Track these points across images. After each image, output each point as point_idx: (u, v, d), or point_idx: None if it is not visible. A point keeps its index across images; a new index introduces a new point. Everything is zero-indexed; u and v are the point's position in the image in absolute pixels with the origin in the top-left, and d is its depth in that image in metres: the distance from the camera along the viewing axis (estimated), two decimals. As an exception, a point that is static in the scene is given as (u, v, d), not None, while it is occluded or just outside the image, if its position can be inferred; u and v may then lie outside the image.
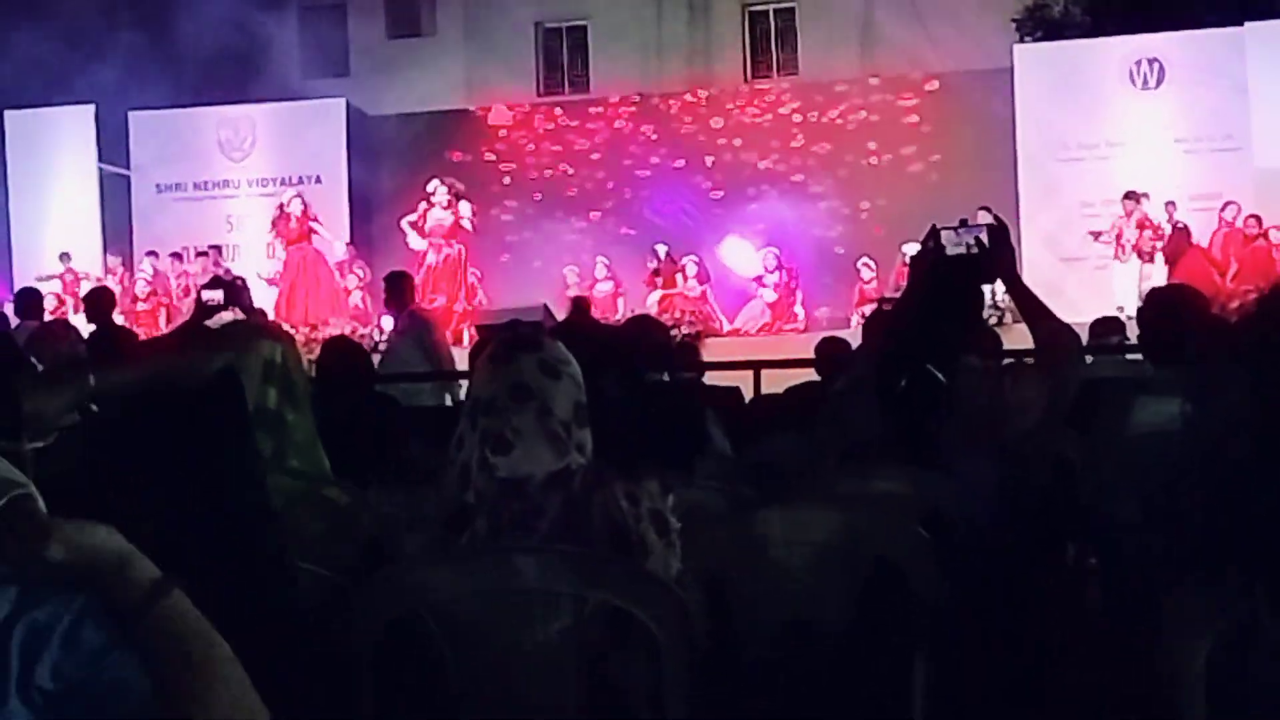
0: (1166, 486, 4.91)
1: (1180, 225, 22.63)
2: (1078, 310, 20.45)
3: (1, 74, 25.31)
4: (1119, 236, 22.87)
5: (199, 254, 25.12)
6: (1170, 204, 22.93)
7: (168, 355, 2.48)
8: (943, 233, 5.73)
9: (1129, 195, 22.92)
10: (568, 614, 3.74)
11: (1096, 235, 23.16)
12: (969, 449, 5.45)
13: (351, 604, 3.79)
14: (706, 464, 5.93)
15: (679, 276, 24.38)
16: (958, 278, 5.69)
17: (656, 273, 24.51)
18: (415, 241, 23.91)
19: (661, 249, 24.79)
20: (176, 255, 25.40)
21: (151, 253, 25.57)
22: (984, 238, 5.65)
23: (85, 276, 24.52)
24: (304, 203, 24.76)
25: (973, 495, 5.21)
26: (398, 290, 14.95)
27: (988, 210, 22.66)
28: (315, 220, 24.73)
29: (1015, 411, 5.64)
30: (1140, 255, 22.71)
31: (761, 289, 24.05)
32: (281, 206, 24.74)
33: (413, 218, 24.08)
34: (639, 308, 22.41)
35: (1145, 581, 4.86)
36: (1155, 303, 6.73)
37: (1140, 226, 22.78)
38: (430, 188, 24.17)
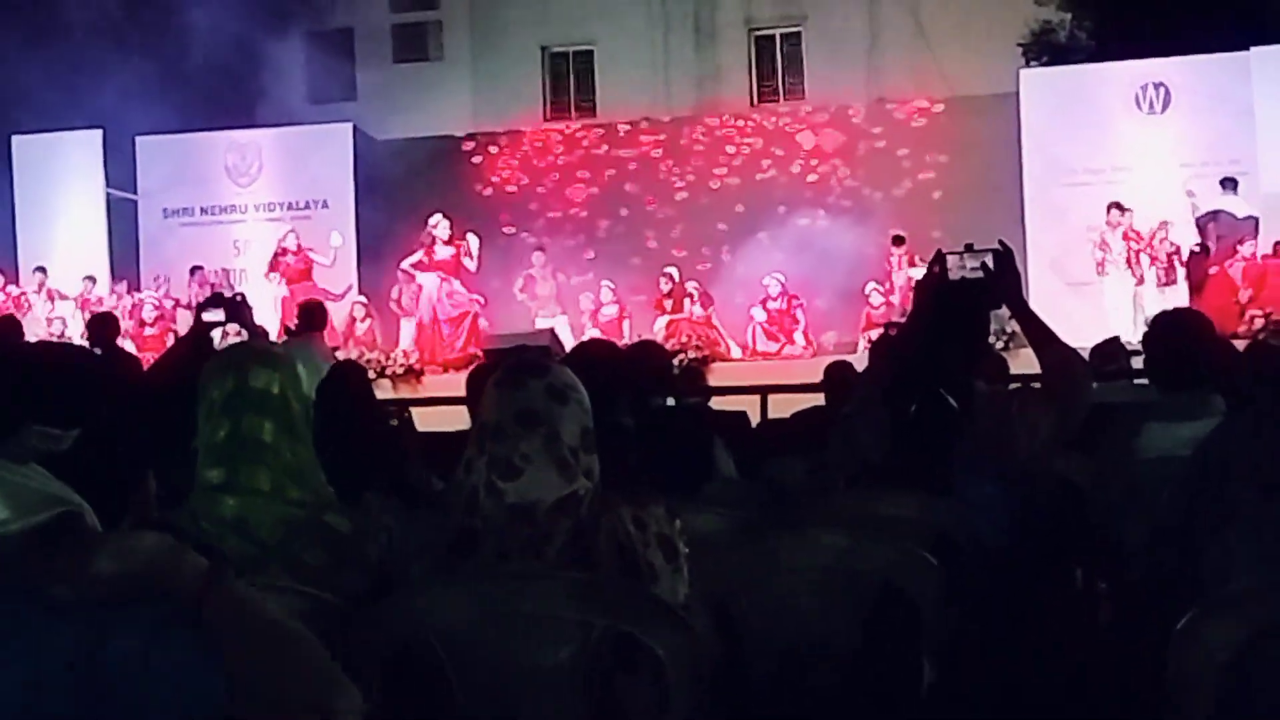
0: (1176, 511, 4.90)
1: (1198, 248, 22.53)
2: (1083, 335, 20.51)
3: (10, 99, 25.40)
4: (1104, 248, 22.85)
5: (192, 271, 25.09)
6: (1165, 223, 22.87)
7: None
8: (948, 257, 5.72)
9: (1113, 206, 22.90)
10: (575, 639, 3.73)
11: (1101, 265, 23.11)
12: (977, 473, 5.45)
13: (357, 630, 3.78)
14: (714, 488, 5.91)
15: (686, 301, 24.33)
16: (963, 302, 5.69)
17: (668, 295, 24.46)
18: (423, 279, 23.93)
19: (674, 272, 24.73)
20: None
21: (158, 278, 25.55)
22: (989, 262, 5.64)
23: (98, 302, 24.54)
24: (298, 237, 24.78)
25: (980, 519, 5.21)
26: (308, 320, 14.95)
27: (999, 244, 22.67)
28: (310, 251, 24.74)
29: (1023, 435, 5.63)
30: (1130, 269, 22.68)
31: (763, 312, 23.98)
32: (279, 244, 24.74)
33: (415, 258, 24.05)
34: (645, 332, 22.42)
35: (1155, 606, 4.85)
36: (1162, 328, 6.70)
37: (1126, 238, 22.75)
38: (433, 222, 24.11)
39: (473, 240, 23.61)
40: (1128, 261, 22.70)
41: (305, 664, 2.42)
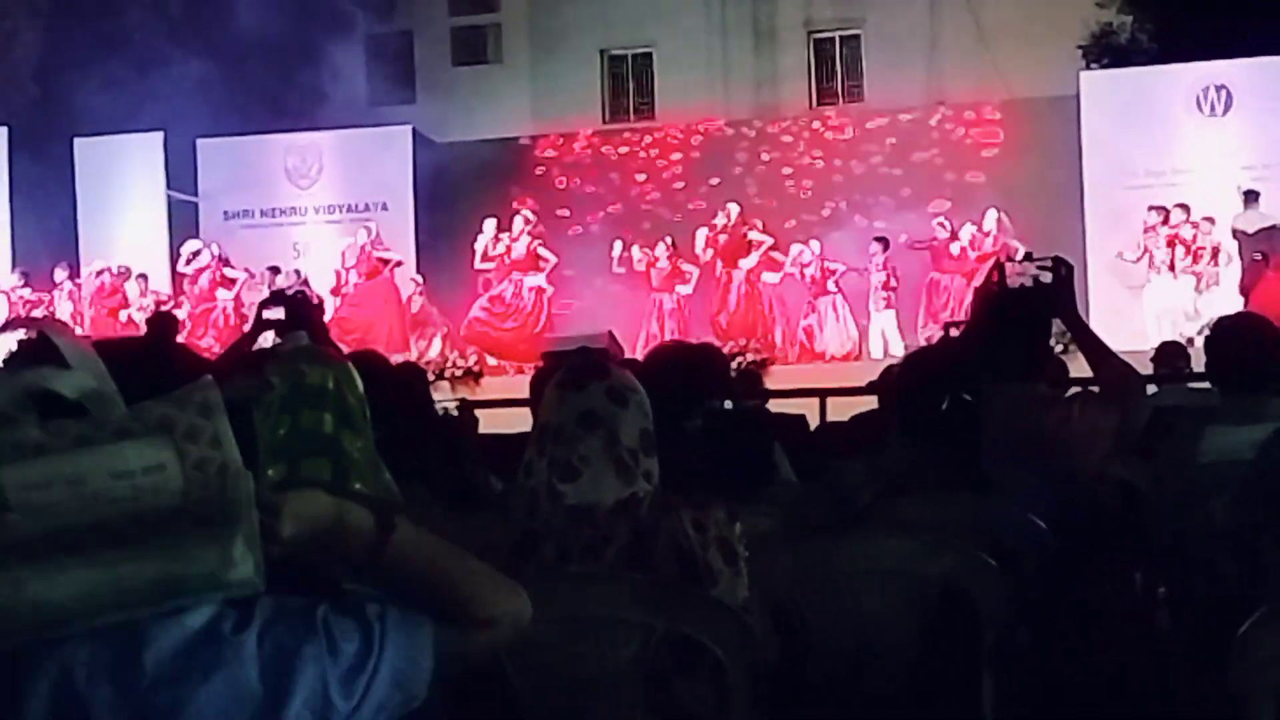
0: (1236, 516, 4.89)
1: (1259, 256, 22.32)
2: (1145, 338, 20.49)
3: (72, 102, 25.56)
4: (1150, 254, 22.76)
5: (249, 275, 25.19)
6: (1208, 219, 22.74)
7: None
8: (1007, 265, 5.74)
9: (1153, 209, 22.83)
10: (635, 641, 3.74)
11: (1138, 258, 23.03)
12: (1035, 476, 5.44)
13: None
14: (773, 491, 5.92)
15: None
16: (1022, 310, 5.69)
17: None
18: (481, 264, 24.08)
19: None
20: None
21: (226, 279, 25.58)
22: (1047, 273, 5.66)
23: (164, 300, 24.69)
24: (369, 234, 24.94)
25: (1038, 522, 5.19)
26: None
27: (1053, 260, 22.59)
28: (384, 248, 24.91)
29: (1083, 439, 5.62)
30: (1172, 271, 22.58)
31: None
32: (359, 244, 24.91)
33: (485, 243, 24.20)
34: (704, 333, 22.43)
35: (1216, 611, 4.83)
36: (1226, 331, 6.65)
37: (1170, 244, 22.66)
38: (486, 228, 24.32)
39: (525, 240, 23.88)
40: (1170, 264, 22.61)
41: (481, 573, 2.64)
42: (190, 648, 2.32)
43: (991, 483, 5.33)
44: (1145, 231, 22.81)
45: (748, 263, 24.00)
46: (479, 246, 24.22)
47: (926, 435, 5.46)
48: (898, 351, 22.17)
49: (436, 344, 24.12)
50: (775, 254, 24.20)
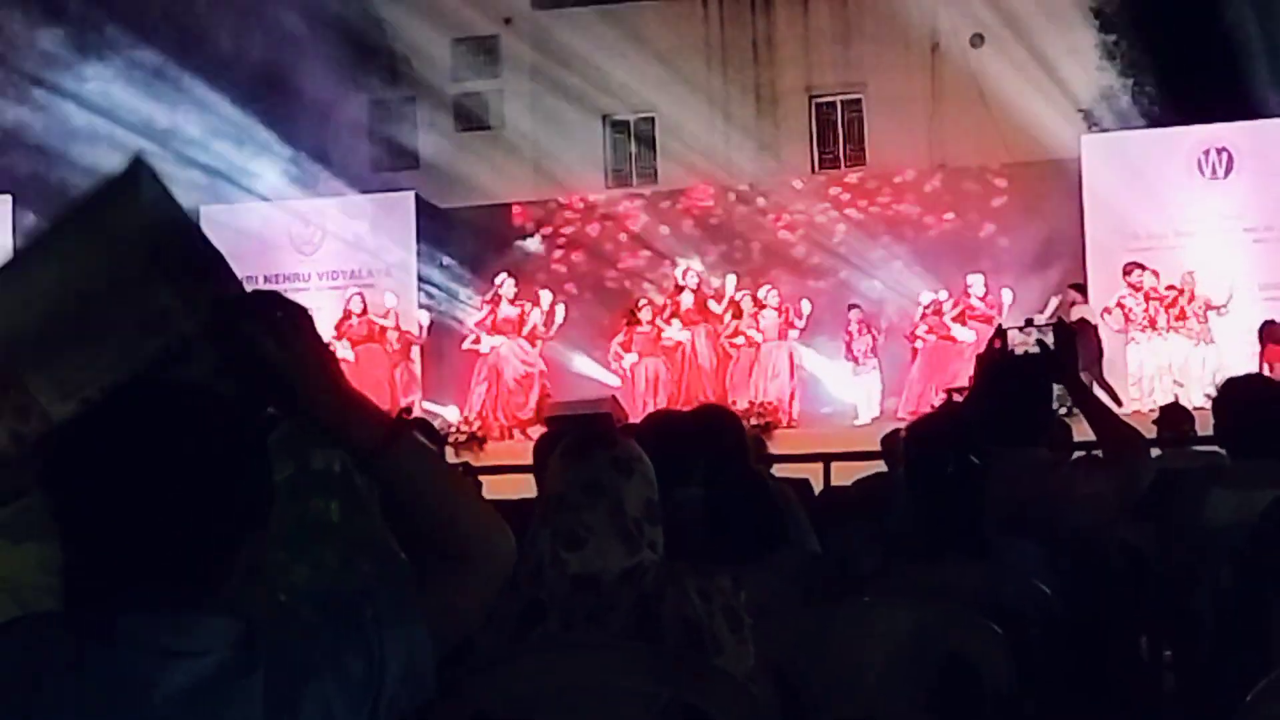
0: (1242, 580, 4.88)
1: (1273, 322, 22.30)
2: (1133, 398, 20.58)
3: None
4: (1125, 312, 22.85)
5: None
6: (1188, 273, 22.87)
7: None
8: (1009, 331, 5.77)
9: (1131, 266, 22.95)
10: (641, 711, 3.73)
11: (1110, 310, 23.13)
12: (1039, 541, 5.43)
13: (423, 704, 3.80)
14: (777, 558, 5.91)
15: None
16: (1024, 375, 5.71)
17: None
18: (490, 340, 24.15)
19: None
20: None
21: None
22: (1048, 339, 5.68)
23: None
24: (363, 301, 25.00)
25: (1042, 587, 5.18)
26: None
27: (1078, 288, 22.76)
28: (378, 315, 24.96)
29: (1087, 503, 5.62)
30: (1154, 328, 22.63)
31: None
32: (345, 307, 24.91)
33: (480, 316, 24.33)
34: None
35: (1222, 676, 4.82)
36: (1234, 392, 6.59)
37: (1148, 298, 22.74)
38: (499, 281, 24.40)
39: (545, 297, 23.94)
40: (1152, 323, 22.68)
41: (474, 500, 2.77)
42: (199, 690, 2.36)
43: (995, 547, 5.32)
44: (1129, 291, 22.94)
45: (744, 326, 24.21)
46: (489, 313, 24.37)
47: (932, 499, 5.46)
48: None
49: (453, 411, 24.17)
50: (769, 319, 24.37)
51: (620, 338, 24.44)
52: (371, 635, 2.51)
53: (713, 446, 6.22)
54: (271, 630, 2.44)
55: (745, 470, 6.47)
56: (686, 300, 24.50)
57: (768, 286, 24.71)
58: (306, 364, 2.63)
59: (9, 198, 26.66)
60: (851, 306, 24.41)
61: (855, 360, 24.02)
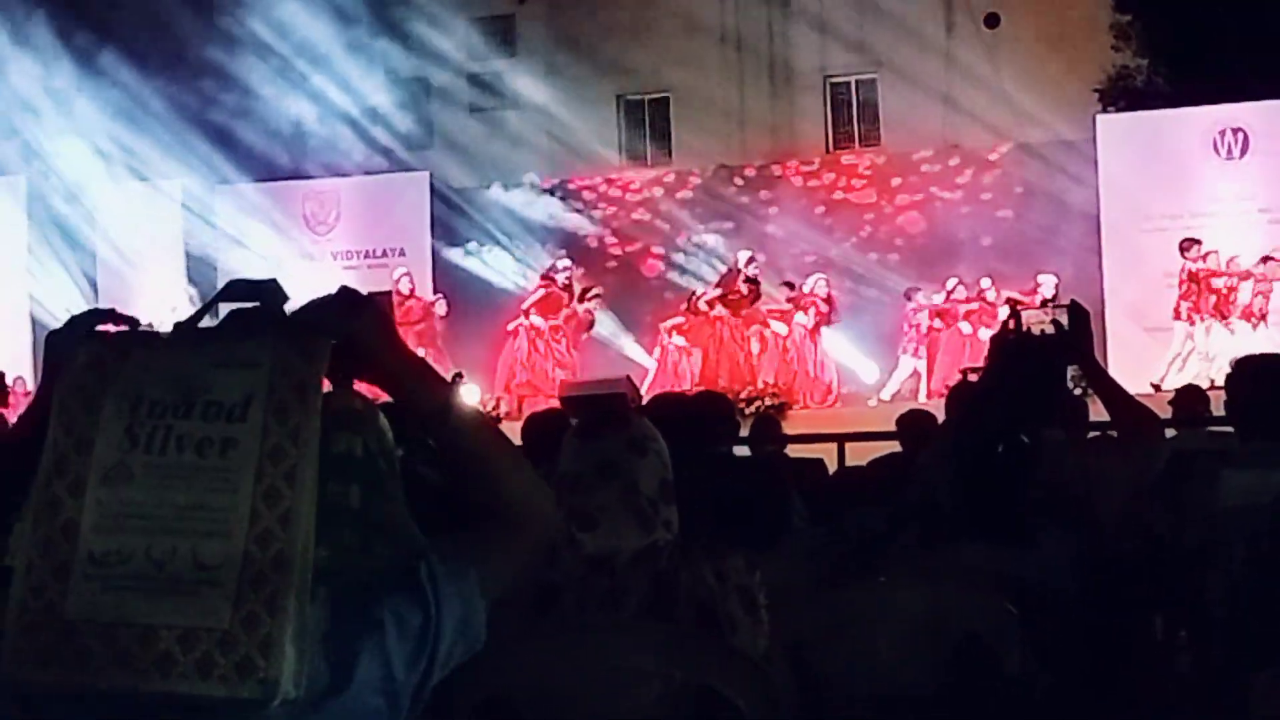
0: (1256, 561, 4.87)
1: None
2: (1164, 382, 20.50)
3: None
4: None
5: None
6: (1231, 259, 22.84)
7: None
8: (1024, 312, 5.75)
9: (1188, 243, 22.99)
10: (655, 692, 3.73)
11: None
12: (1054, 522, 5.42)
13: (440, 686, 3.80)
14: (791, 539, 5.91)
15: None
16: (1039, 355, 5.68)
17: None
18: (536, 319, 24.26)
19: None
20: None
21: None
22: (1063, 319, 5.65)
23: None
24: (411, 281, 25.11)
25: (1058, 568, 5.18)
26: None
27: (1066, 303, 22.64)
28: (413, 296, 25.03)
29: (1101, 484, 5.61)
30: (1197, 313, 22.64)
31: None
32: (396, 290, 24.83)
33: (535, 298, 24.55)
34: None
35: (1236, 656, 4.82)
36: (1247, 373, 6.50)
37: (1195, 278, 22.75)
38: (562, 265, 24.73)
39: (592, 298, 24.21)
40: (1196, 305, 22.68)
41: (523, 464, 2.85)
42: None
43: (1030, 529, 5.28)
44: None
45: (757, 310, 24.24)
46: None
47: (978, 478, 5.41)
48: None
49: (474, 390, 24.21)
50: (786, 302, 24.41)
51: (676, 320, 24.64)
52: (428, 592, 2.62)
53: (694, 431, 6.23)
54: (330, 580, 2.55)
55: (717, 454, 6.47)
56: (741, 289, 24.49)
57: (817, 275, 24.73)
58: (392, 332, 2.74)
59: (23, 179, 26.69)
60: (913, 291, 24.41)
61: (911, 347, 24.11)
